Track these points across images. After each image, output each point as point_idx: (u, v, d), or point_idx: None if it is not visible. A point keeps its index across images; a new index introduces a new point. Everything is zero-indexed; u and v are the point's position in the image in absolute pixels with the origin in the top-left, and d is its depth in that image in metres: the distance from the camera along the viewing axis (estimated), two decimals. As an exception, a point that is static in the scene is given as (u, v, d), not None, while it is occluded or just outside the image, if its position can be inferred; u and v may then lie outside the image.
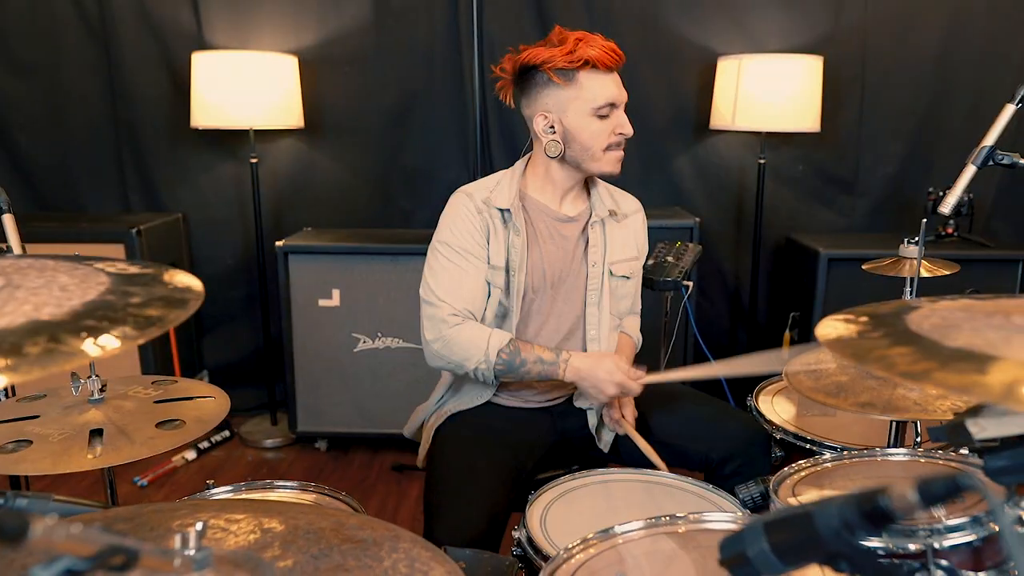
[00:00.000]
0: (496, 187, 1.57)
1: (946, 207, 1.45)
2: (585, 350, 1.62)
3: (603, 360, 1.48)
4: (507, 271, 1.54)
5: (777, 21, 2.98)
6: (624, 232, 1.66)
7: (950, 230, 2.91)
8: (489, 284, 1.54)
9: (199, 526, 0.71)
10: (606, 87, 1.49)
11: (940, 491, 0.48)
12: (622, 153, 1.56)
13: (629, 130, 1.53)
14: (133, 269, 0.85)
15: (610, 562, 0.95)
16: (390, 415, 2.80)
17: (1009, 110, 1.43)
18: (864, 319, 0.74)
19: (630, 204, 1.72)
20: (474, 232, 1.53)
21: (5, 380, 0.55)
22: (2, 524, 0.42)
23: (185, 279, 0.83)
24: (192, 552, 0.67)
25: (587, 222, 1.61)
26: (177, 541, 0.68)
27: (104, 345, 0.63)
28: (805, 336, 2.82)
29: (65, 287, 0.75)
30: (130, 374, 1.79)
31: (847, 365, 1.30)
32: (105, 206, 3.20)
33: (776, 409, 1.79)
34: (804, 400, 1.87)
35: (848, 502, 0.53)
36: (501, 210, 1.54)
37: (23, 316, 0.66)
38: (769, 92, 2.72)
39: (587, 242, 1.60)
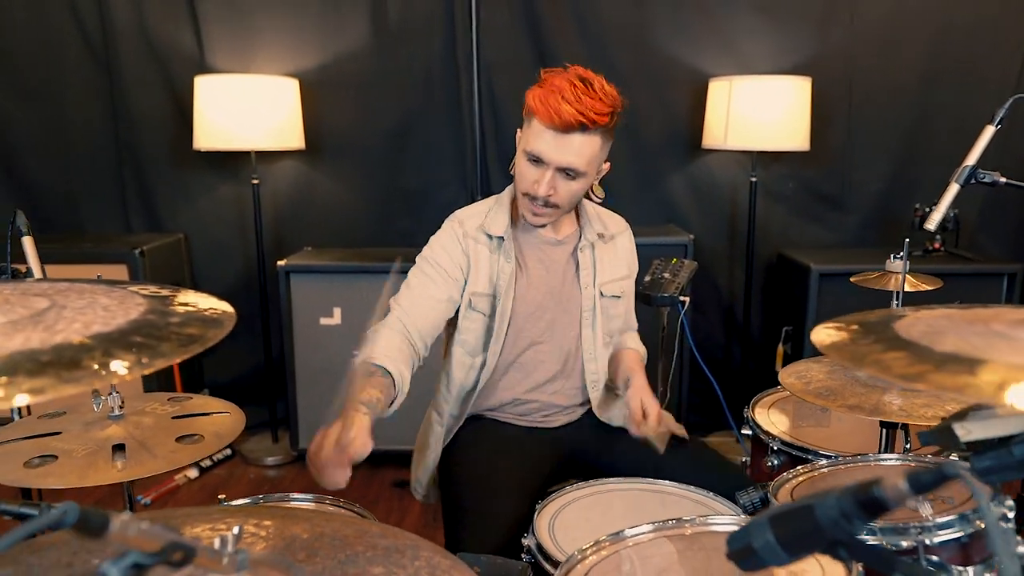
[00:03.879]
0: (489, 214, 1.62)
1: (931, 224, 1.52)
2: (583, 370, 1.67)
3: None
4: (493, 296, 1.59)
5: (766, 43, 3.06)
6: (613, 253, 1.71)
7: (937, 245, 2.99)
8: (472, 308, 1.58)
9: (236, 529, 0.75)
10: (540, 139, 1.46)
11: (928, 480, 0.53)
12: (542, 212, 1.54)
13: (539, 192, 1.49)
14: (164, 292, 0.90)
15: (619, 563, 1.00)
16: (391, 431, 2.79)
17: (989, 131, 1.50)
18: (854, 327, 0.80)
19: (618, 224, 1.77)
20: (452, 254, 1.58)
21: (70, 391, 0.60)
22: (89, 519, 0.47)
23: (212, 301, 0.88)
24: (233, 552, 0.71)
25: (576, 245, 1.66)
26: (216, 543, 0.73)
27: (149, 361, 0.68)
28: (798, 350, 2.88)
29: (107, 307, 0.80)
30: (133, 392, 1.83)
31: (835, 372, 1.35)
32: (107, 227, 3.25)
33: (772, 420, 1.84)
34: (799, 411, 1.93)
35: (845, 494, 0.58)
36: (494, 237, 1.59)
37: (75, 333, 0.71)
38: (759, 112, 2.80)
39: (577, 265, 1.66)
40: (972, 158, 1.49)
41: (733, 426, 2.16)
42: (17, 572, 0.79)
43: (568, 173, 1.49)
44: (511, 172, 1.61)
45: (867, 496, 0.56)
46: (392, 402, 1.41)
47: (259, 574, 0.76)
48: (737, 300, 3.24)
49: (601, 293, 1.66)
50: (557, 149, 1.46)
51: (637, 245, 2.75)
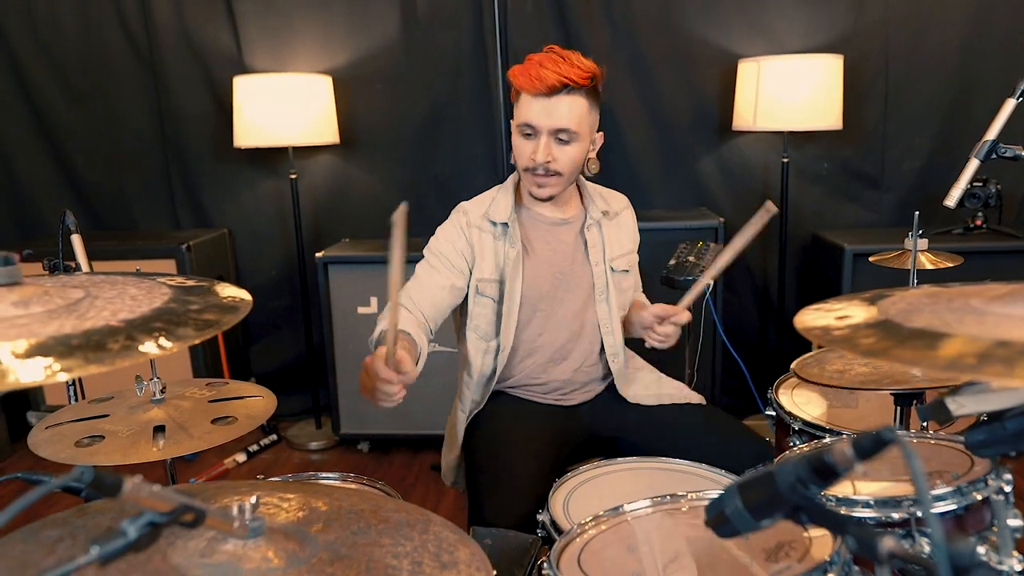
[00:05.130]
0: (492, 202, 1.68)
1: (951, 200, 1.50)
2: (602, 345, 1.72)
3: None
4: (500, 281, 1.65)
5: (797, 21, 3.02)
6: (618, 229, 1.76)
7: (979, 222, 2.91)
8: (480, 294, 1.65)
9: (254, 498, 0.82)
10: (529, 108, 1.54)
11: (868, 445, 0.56)
12: (544, 182, 1.59)
13: (539, 157, 1.54)
14: (190, 282, 0.98)
15: (618, 537, 1.04)
16: (429, 416, 2.91)
17: (1010, 104, 1.47)
18: (838, 307, 0.82)
19: (619, 201, 1.81)
20: (456, 243, 1.65)
21: (95, 370, 0.67)
22: (103, 481, 0.54)
23: (233, 290, 0.95)
24: (247, 518, 0.78)
25: (583, 224, 1.71)
26: (235, 509, 0.80)
27: (169, 344, 0.75)
28: (833, 331, 2.85)
29: (135, 297, 0.87)
30: (179, 378, 1.93)
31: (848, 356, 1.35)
32: (156, 223, 3.40)
33: (796, 401, 1.85)
34: (827, 393, 1.92)
35: (801, 460, 0.61)
36: (498, 224, 1.64)
37: (103, 320, 0.78)
38: (790, 92, 2.77)
39: (585, 244, 1.70)
40: (993, 132, 1.47)
41: (762, 407, 2.16)
42: (64, 532, 0.88)
43: (561, 138, 1.55)
44: (513, 163, 1.66)
45: (819, 462, 0.59)
46: (418, 358, 1.48)
47: (273, 540, 0.83)
48: (771, 282, 3.22)
49: (612, 269, 1.71)
50: (546, 113, 1.52)
51: (668, 229, 2.79)
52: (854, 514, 0.95)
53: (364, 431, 3.06)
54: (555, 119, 1.53)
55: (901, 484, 1.08)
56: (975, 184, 2.86)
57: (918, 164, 3.11)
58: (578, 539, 1.05)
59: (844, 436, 1.24)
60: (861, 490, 1.02)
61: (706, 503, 1.09)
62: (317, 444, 3.15)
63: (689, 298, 1.54)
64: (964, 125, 3.04)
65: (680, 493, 1.13)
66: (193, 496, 0.62)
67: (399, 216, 1.02)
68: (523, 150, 1.58)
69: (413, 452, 3.08)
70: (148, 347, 0.72)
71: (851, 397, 1.93)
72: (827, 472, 0.59)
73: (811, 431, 1.70)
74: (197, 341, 0.78)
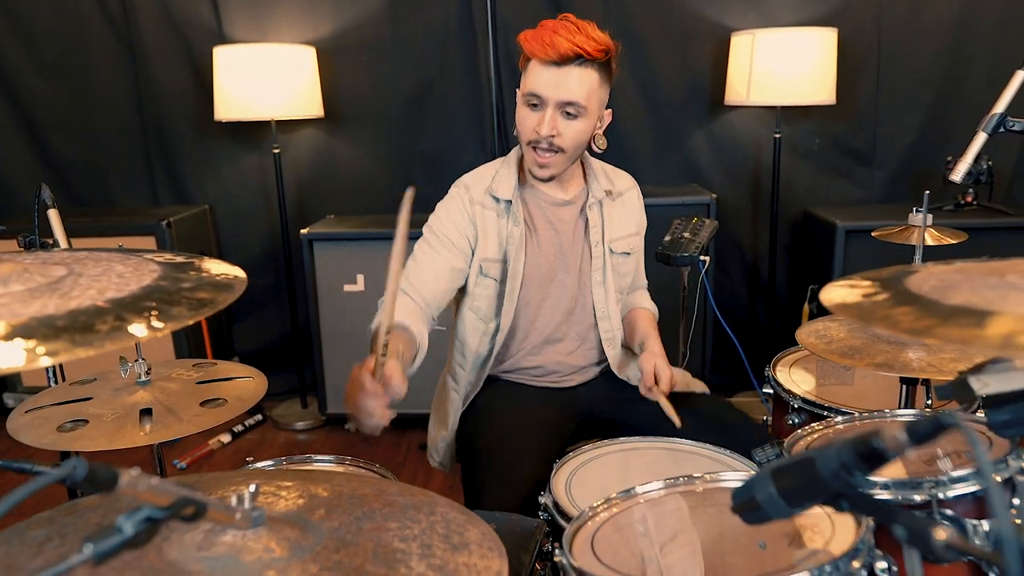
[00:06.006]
0: (495, 177, 1.61)
1: (957, 175, 1.47)
2: (597, 327, 1.67)
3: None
4: (504, 261, 1.59)
5: (790, -6, 2.97)
6: (622, 210, 1.70)
7: (969, 198, 2.90)
8: (484, 275, 1.58)
9: (252, 487, 0.78)
10: (538, 77, 1.46)
11: (926, 430, 0.53)
12: (547, 160, 1.52)
13: (544, 130, 1.47)
14: (179, 259, 0.92)
15: (631, 520, 1.01)
16: (416, 395, 2.84)
17: (1020, 76, 1.44)
18: (867, 283, 0.79)
19: (625, 181, 1.74)
20: (458, 224, 1.57)
21: (82, 354, 0.62)
22: (98, 474, 0.49)
23: (225, 267, 0.89)
24: (248, 508, 0.73)
25: (584, 203, 1.65)
26: (234, 500, 0.75)
27: (161, 325, 0.70)
28: (824, 308, 2.84)
29: (122, 274, 0.82)
30: (163, 359, 1.87)
31: (855, 330, 1.33)
32: (135, 199, 3.30)
33: (794, 379, 1.83)
34: (822, 370, 1.91)
35: (845, 445, 0.58)
36: (501, 201, 1.58)
37: (89, 299, 0.72)
38: (783, 66, 2.73)
39: (586, 223, 1.64)
40: (1001, 105, 1.44)
41: (756, 385, 2.14)
42: (52, 532, 0.83)
43: (568, 112, 1.48)
44: (516, 135, 1.60)
45: (866, 447, 0.56)
46: (415, 357, 1.43)
47: (275, 530, 0.78)
48: (762, 259, 3.20)
49: (611, 250, 1.66)
50: (555, 83, 1.45)
51: (659, 205, 2.75)
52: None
53: (352, 411, 3.01)
54: (564, 91, 1.46)
55: (911, 465, 1.06)
56: (966, 160, 2.86)
57: (909, 140, 3.09)
58: (590, 523, 1.02)
59: (886, 419, 1.19)
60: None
61: (722, 485, 1.09)
62: (303, 424, 3.10)
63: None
64: (955, 102, 3.02)
65: (695, 475, 1.10)
66: (192, 487, 0.58)
67: (406, 202, 0.96)
68: (527, 122, 1.51)
69: (401, 431, 3.04)
70: (139, 329, 0.67)
71: (846, 374, 1.91)
72: (875, 458, 0.55)
73: (810, 409, 1.68)
74: (191, 321, 0.72)
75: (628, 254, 1.71)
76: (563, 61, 1.43)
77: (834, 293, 0.78)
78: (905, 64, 3.02)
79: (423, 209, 3.44)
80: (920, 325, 0.63)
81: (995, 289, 0.71)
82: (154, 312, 0.70)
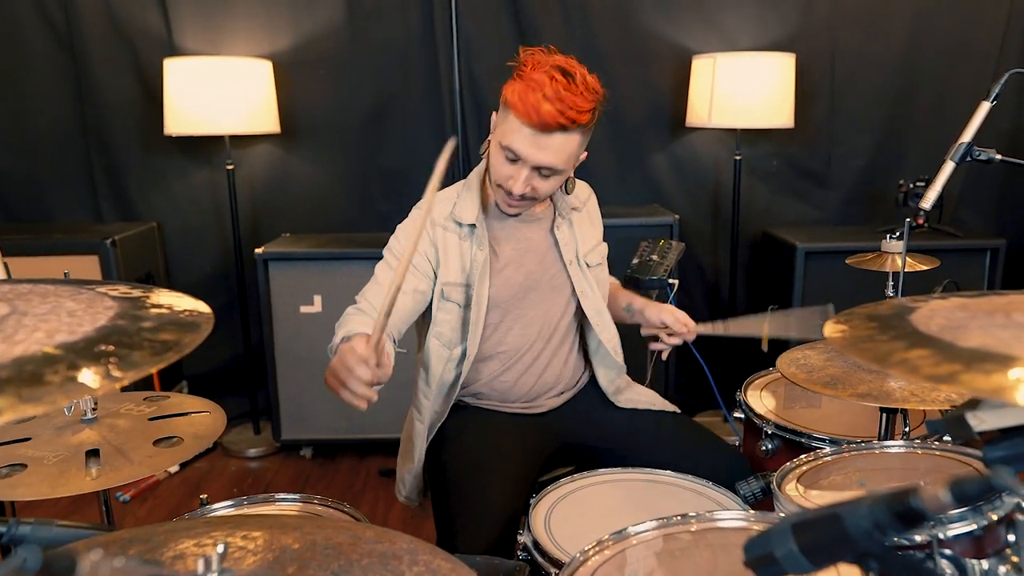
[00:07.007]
0: (458, 201, 1.56)
1: (927, 202, 1.50)
2: (571, 347, 1.67)
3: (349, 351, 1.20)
4: (467, 285, 1.53)
5: (749, 19, 3.02)
6: (587, 220, 1.70)
7: (920, 221, 2.97)
8: (446, 299, 1.53)
9: (220, 548, 0.70)
10: (518, 137, 1.39)
11: (973, 491, 0.50)
12: (515, 203, 1.48)
13: (515, 189, 1.43)
14: (136, 292, 0.84)
15: (624, 564, 0.96)
16: (376, 420, 2.78)
17: (985, 107, 1.47)
18: (870, 322, 0.76)
19: (583, 190, 1.74)
20: (420, 244, 1.52)
21: (32, 411, 0.54)
22: (53, 565, 0.42)
23: (189, 301, 0.82)
24: (215, 572, 0.66)
25: (553, 221, 1.62)
26: (200, 565, 0.68)
27: (120, 374, 0.62)
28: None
29: (73, 312, 0.74)
30: (109, 390, 1.76)
31: (833, 358, 1.32)
32: (76, 215, 3.14)
33: (764, 403, 1.82)
34: (790, 393, 1.91)
35: (879, 503, 0.54)
36: (465, 225, 1.54)
37: (36, 344, 0.65)
38: (744, 89, 2.76)
39: (556, 242, 1.61)
40: (968, 135, 1.46)
41: (722, 406, 2.14)
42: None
43: (544, 172, 1.44)
44: (482, 153, 1.55)
45: (904, 506, 0.52)
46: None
47: (247, 594, 0.71)
48: (722, 279, 3.22)
49: (587, 264, 1.63)
50: (535, 148, 1.39)
51: (623, 226, 2.74)
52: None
53: (307, 436, 2.90)
54: (544, 155, 1.40)
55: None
56: (917, 183, 2.93)
57: (862, 163, 3.16)
58: (582, 568, 0.97)
59: (875, 451, 1.15)
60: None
61: (719, 524, 1.05)
62: (256, 451, 2.98)
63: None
64: (906, 125, 3.11)
65: (690, 514, 1.06)
66: (158, 563, 0.51)
67: (445, 151, 0.95)
68: (501, 171, 1.45)
69: (359, 457, 2.95)
70: (93, 380, 0.59)
71: (814, 397, 1.91)
72: (912, 518, 0.52)
73: (784, 435, 1.67)
74: (154, 370, 0.65)
75: (601, 264, 1.70)
76: (546, 129, 1.37)
77: (837, 331, 0.76)
78: (857, 89, 3.09)
79: (382, 228, 3.39)
80: (942, 372, 0.60)
81: (1006, 329, 0.69)
82: (112, 359, 0.63)
